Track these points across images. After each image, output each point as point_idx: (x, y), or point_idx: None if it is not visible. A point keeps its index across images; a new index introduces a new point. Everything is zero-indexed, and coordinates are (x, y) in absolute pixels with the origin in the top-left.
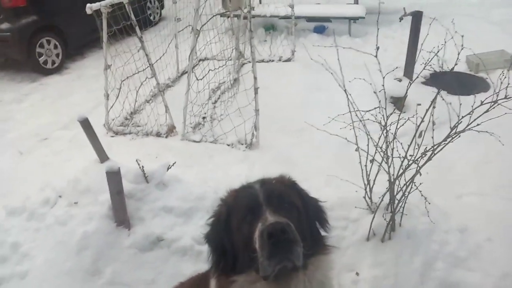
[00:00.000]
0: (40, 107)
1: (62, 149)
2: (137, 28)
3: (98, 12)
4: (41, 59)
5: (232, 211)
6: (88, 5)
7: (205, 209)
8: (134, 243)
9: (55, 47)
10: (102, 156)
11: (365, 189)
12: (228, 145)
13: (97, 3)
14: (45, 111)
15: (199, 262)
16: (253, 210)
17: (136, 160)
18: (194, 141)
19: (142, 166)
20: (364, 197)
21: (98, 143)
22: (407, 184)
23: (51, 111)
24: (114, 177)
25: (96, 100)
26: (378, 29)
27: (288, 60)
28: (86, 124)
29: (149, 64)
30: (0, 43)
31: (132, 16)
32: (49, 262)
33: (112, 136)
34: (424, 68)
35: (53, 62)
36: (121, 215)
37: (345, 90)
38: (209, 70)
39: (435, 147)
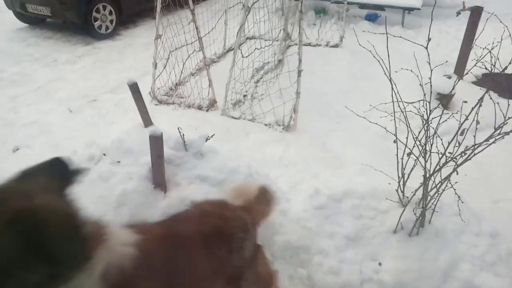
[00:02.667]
0: (91, 70)
1: (108, 111)
2: (190, 1)
3: None
4: (96, 24)
5: None
6: None
7: (237, 182)
8: (169, 205)
9: (110, 13)
10: (146, 121)
11: (399, 182)
12: (266, 124)
13: None
14: (95, 74)
15: None
16: None
17: (178, 128)
18: (233, 117)
19: (183, 134)
20: (397, 190)
21: (144, 107)
22: (442, 181)
23: (100, 75)
24: (156, 141)
25: (143, 68)
26: (431, 20)
27: (336, 45)
28: (134, 88)
29: (198, 38)
30: (59, 5)
31: None
32: (90, 213)
33: (156, 105)
34: (475, 65)
35: (107, 28)
36: (159, 178)
37: (390, 79)
38: (255, 48)
39: (475, 147)
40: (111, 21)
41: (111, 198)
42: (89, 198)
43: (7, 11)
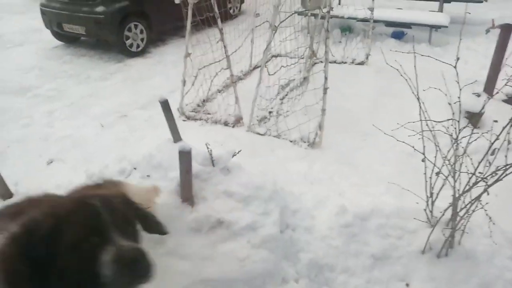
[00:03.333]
0: (122, 86)
1: (138, 127)
2: (218, 20)
3: (185, 2)
4: (128, 42)
5: (64, 227)
6: None
7: (263, 198)
8: (196, 220)
9: (141, 32)
10: (176, 137)
11: (427, 202)
12: (291, 141)
13: None
14: (126, 90)
15: (252, 248)
16: (97, 231)
17: (206, 144)
18: (259, 134)
19: (211, 150)
20: (425, 210)
21: (174, 124)
22: (473, 201)
23: (131, 91)
24: (185, 156)
25: (172, 85)
26: (460, 39)
27: (361, 63)
28: (165, 105)
29: (226, 56)
30: (94, 24)
31: (216, 9)
32: None
33: (184, 120)
34: (505, 84)
35: (138, 46)
36: (187, 192)
37: (418, 98)
38: (281, 66)
39: (507, 167)
40: (142, 39)
41: None
42: None
43: (45, 30)
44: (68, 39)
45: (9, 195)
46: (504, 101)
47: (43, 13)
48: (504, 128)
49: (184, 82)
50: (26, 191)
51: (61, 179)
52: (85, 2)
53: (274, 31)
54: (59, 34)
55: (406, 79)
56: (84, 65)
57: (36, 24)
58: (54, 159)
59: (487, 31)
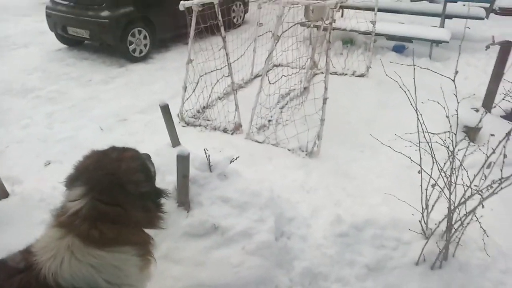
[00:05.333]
0: (123, 90)
1: (138, 130)
2: (222, 29)
3: (189, 9)
4: (131, 47)
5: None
6: (181, 2)
7: (259, 205)
8: (191, 225)
9: (145, 37)
10: (175, 141)
11: (422, 213)
12: (289, 150)
13: (190, 1)
14: (127, 94)
15: (246, 254)
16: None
17: (204, 149)
18: (257, 141)
19: (209, 155)
20: (420, 221)
21: (173, 128)
22: (467, 214)
23: (132, 95)
24: (183, 161)
25: (173, 91)
26: (459, 53)
27: (362, 75)
28: (166, 110)
29: (228, 64)
30: (98, 28)
31: (219, 17)
32: None
33: (183, 126)
34: (503, 99)
35: (141, 51)
36: (183, 197)
37: (416, 110)
38: (282, 75)
39: (502, 181)
40: (145, 45)
41: None
42: None
43: (49, 33)
44: (72, 42)
45: (5, 194)
46: (503, 116)
47: (48, 16)
48: (500, 142)
49: (185, 88)
50: (22, 191)
51: (58, 180)
52: (91, 7)
53: (276, 41)
54: (63, 37)
55: (405, 91)
56: (87, 68)
57: (41, 27)
58: (52, 160)
59: (487, 47)
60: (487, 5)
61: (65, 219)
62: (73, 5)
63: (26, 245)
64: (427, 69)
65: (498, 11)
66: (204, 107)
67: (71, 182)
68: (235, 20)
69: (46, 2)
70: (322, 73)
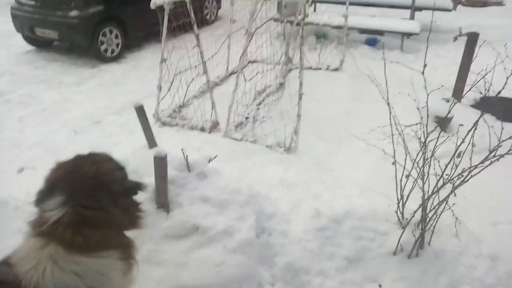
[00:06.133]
0: (96, 91)
1: (113, 132)
2: (195, 26)
3: (161, 8)
4: (102, 47)
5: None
6: (153, 0)
7: (239, 203)
8: (171, 226)
9: (116, 37)
10: (151, 143)
11: (398, 204)
12: (267, 146)
13: (161, 0)
14: (100, 96)
15: (228, 253)
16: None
17: (182, 150)
18: (235, 139)
19: (186, 156)
20: (396, 212)
21: (149, 129)
22: (440, 203)
23: (106, 97)
24: (160, 162)
25: (148, 90)
26: (427, 47)
27: (336, 69)
28: (141, 111)
29: (202, 62)
30: (67, 29)
31: (192, 15)
32: None
33: (160, 126)
34: (469, 90)
35: (113, 51)
36: (162, 198)
37: (388, 103)
38: (257, 72)
39: (472, 169)
40: (117, 45)
41: None
42: None
43: (16, 35)
44: (40, 44)
45: None
46: (472, 105)
47: (14, 16)
48: (469, 131)
49: (160, 88)
50: None
51: (32, 187)
52: (59, 6)
53: (250, 38)
54: (31, 39)
55: (376, 85)
56: (57, 70)
57: (6, 28)
58: (25, 166)
59: (455, 38)
60: None
61: (46, 228)
62: (40, 5)
63: (2, 257)
64: (397, 62)
65: (465, 3)
66: (180, 106)
67: (45, 194)
68: (208, 17)
69: (11, 3)
70: (297, 68)
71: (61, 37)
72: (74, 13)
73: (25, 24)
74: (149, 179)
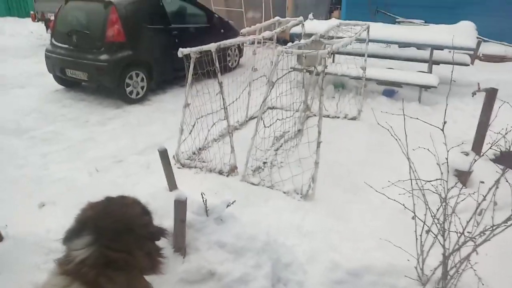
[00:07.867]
0: (120, 131)
1: (134, 172)
2: (218, 75)
3: (187, 56)
4: (128, 89)
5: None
6: (180, 49)
7: (255, 250)
8: (187, 271)
9: (142, 80)
10: (172, 185)
11: (418, 259)
12: (284, 192)
13: (188, 49)
14: (124, 136)
15: None
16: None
17: (201, 194)
18: (253, 184)
19: (205, 200)
20: (416, 267)
21: (171, 173)
22: (462, 261)
23: (129, 137)
24: (181, 205)
25: (169, 132)
26: (447, 104)
27: (354, 118)
28: (164, 155)
29: (224, 107)
30: (97, 71)
31: (217, 64)
32: None
33: (179, 168)
34: (489, 148)
35: (138, 93)
36: (180, 242)
37: (408, 158)
38: (277, 119)
39: (494, 228)
40: (142, 87)
41: None
42: None
43: (47, 75)
44: (69, 84)
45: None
46: (492, 160)
47: (47, 57)
48: (490, 189)
49: (181, 131)
50: (15, 234)
51: (52, 223)
52: (90, 50)
53: (271, 87)
54: (61, 79)
55: (396, 139)
56: (83, 109)
57: (39, 68)
58: (46, 202)
59: (473, 94)
60: (471, 52)
61: (71, 267)
62: (73, 48)
63: None
64: (417, 118)
65: (482, 58)
66: (200, 149)
67: (74, 233)
68: (230, 64)
69: (46, 45)
70: (315, 115)
71: (90, 79)
72: (104, 57)
73: (57, 65)
74: (167, 222)
